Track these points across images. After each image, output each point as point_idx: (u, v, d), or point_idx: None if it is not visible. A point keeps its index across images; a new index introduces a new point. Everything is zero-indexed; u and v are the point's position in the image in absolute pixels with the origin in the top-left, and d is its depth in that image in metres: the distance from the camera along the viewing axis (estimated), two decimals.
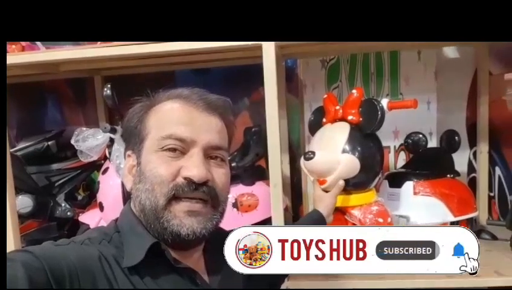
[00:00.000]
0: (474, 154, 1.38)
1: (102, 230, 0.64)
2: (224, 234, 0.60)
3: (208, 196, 0.61)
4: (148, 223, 0.61)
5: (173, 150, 0.61)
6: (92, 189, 1.47)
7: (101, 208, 1.15)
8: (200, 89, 0.67)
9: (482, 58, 1.31)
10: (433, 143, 1.34)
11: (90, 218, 1.20)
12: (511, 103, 1.31)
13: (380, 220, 0.99)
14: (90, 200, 1.37)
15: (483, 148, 1.33)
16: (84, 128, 1.12)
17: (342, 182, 0.96)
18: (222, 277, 0.66)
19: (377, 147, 1.02)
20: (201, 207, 0.61)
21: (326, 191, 0.97)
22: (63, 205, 1.29)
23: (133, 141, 0.65)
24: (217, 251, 0.60)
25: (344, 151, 0.97)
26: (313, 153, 0.97)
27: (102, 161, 1.22)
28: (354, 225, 1.00)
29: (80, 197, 1.42)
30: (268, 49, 0.92)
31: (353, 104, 1.00)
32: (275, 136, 0.94)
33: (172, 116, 0.63)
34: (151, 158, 0.61)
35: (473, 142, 1.38)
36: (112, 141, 1.11)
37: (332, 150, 0.98)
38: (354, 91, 1.01)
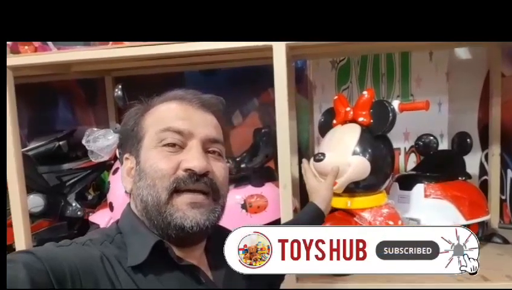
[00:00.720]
0: (486, 156, 1.36)
1: (104, 231, 0.64)
2: (226, 233, 0.60)
3: (209, 188, 0.62)
4: (151, 220, 0.61)
5: (172, 144, 0.61)
6: (101, 189, 1.48)
7: (111, 208, 1.16)
8: (194, 90, 0.68)
9: (494, 60, 1.30)
10: (444, 145, 1.33)
11: (100, 218, 1.20)
12: None
13: (390, 222, 0.99)
14: (100, 200, 1.38)
15: (495, 150, 1.31)
16: (95, 129, 1.12)
17: (335, 168, 0.95)
18: (225, 273, 0.66)
19: (387, 149, 1.02)
20: (203, 199, 0.61)
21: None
22: (73, 204, 1.30)
23: (130, 143, 0.66)
24: (219, 250, 0.60)
25: (354, 153, 0.97)
26: (323, 154, 0.97)
27: (113, 161, 1.23)
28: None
29: (90, 197, 1.43)
30: (279, 50, 0.91)
31: (364, 105, 1.00)
32: (285, 137, 0.93)
33: (170, 114, 0.64)
34: (151, 154, 0.62)
35: (484, 145, 1.36)
36: None
37: (342, 152, 0.97)
38: (364, 92, 1.01)
